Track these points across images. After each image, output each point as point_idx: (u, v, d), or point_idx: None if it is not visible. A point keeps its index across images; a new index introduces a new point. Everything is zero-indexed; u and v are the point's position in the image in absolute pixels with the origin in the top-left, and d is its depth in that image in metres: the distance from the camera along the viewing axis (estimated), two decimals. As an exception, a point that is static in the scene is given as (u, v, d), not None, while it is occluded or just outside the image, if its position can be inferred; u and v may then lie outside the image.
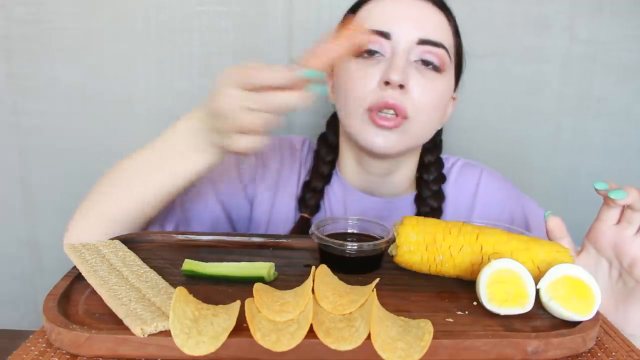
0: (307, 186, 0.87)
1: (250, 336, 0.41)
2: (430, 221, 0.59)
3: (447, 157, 0.91)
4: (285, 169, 0.88)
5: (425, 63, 0.74)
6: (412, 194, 0.87)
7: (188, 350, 0.40)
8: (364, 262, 0.60)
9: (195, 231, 0.71)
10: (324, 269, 0.54)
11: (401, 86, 0.72)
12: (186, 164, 0.64)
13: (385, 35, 0.73)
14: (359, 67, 0.74)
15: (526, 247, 0.55)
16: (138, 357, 0.44)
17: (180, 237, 0.67)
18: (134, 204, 0.66)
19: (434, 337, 0.42)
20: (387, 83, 0.71)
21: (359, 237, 0.64)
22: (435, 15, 0.76)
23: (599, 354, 0.47)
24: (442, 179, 0.87)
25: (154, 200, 0.66)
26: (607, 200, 0.62)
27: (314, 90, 0.56)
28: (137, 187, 0.66)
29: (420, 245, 0.58)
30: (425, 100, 0.74)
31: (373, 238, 0.63)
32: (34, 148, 1.16)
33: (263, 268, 0.56)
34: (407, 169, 0.85)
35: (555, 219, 0.64)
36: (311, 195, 0.85)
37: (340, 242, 0.58)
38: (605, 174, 1.20)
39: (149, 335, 0.43)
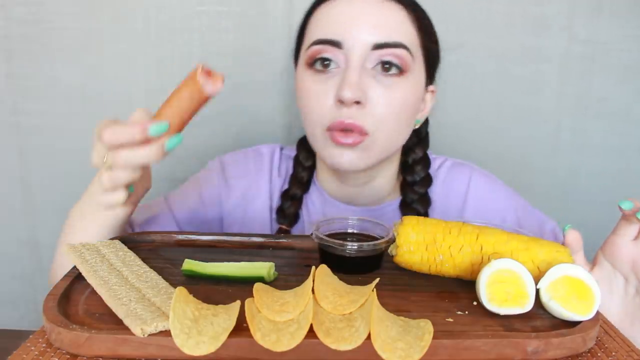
0: (285, 194, 0.83)
1: (250, 336, 0.41)
2: (430, 221, 0.59)
3: (434, 157, 0.87)
4: (253, 182, 0.85)
5: (385, 67, 0.69)
6: (396, 199, 0.83)
7: (188, 350, 0.40)
8: (364, 262, 0.60)
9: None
10: (324, 269, 0.54)
11: (358, 102, 0.67)
12: (100, 219, 0.64)
13: (336, 44, 0.68)
14: (313, 83, 0.70)
15: (526, 247, 0.55)
16: (138, 357, 0.44)
17: (180, 237, 0.67)
18: None
19: (434, 337, 0.42)
20: (341, 101, 0.67)
21: (359, 237, 0.64)
22: (393, 13, 0.70)
23: (599, 354, 0.47)
24: (428, 181, 0.82)
25: None
26: (628, 217, 0.59)
27: (168, 143, 0.56)
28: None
29: (420, 245, 0.58)
30: (387, 112, 0.69)
31: (373, 238, 0.63)
32: (34, 148, 1.16)
33: (263, 268, 0.56)
34: (388, 174, 0.81)
35: (575, 233, 0.60)
36: (290, 204, 0.82)
37: (340, 242, 0.58)
38: (605, 174, 1.20)
39: (149, 335, 0.43)
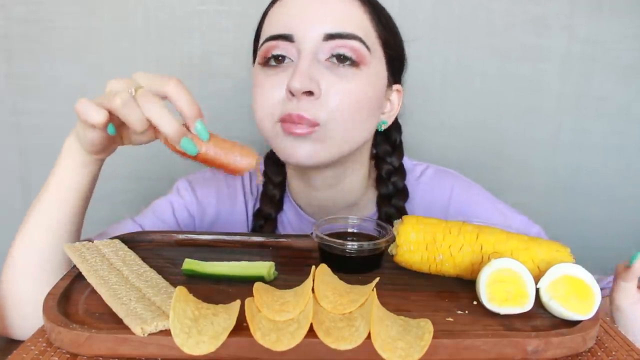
0: (258, 215, 0.80)
1: (250, 336, 0.41)
2: (430, 220, 0.59)
3: (415, 163, 0.83)
4: (225, 203, 0.82)
5: (340, 59, 0.65)
6: (371, 213, 0.79)
7: (188, 350, 0.40)
8: (364, 262, 0.60)
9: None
10: (324, 268, 0.54)
11: (310, 93, 0.64)
12: (71, 178, 0.63)
13: (287, 37, 0.66)
14: (266, 77, 0.67)
15: (526, 246, 0.55)
16: (138, 357, 0.44)
17: (180, 236, 0.67)
18: (53, 239, 0.63)
19: (434, 337, 0.42)
20: (291, 92, 0.64)
21: (359, 237, 0.64)
22: (344, 5, 0.67)
23: (599, 354, 0.47)
24: (405, 193, 0.78)
25: (72, 222, 0.64)
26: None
27: (185, 142, 0.55)
28: (41, 229, 0.63)
29: (420, 244, 0.57)
30: (341, 103, 0.65)
31: (373, 238, 0.63)
32: (34, 148, 1.16)
33: (263, 268, 0.56)
34: (357, 175, 0.76)
35: None
36: (263, 224, 0.79)
37: (341, 241, 0.58)
38: (605, 173, 1.20)
39: (149, 334, 0.43)
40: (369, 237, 0.63)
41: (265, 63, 0.68)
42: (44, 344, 0.45)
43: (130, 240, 0.64)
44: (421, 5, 1.10)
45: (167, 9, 1.10)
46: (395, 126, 0.80)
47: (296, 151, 0.66)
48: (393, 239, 0.59)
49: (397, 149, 0.80)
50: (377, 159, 0.80)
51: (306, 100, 0.64)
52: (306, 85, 0.63)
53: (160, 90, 0.55)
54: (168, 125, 0.54)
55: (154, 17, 1.10)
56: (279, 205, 0.80)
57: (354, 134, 0.69)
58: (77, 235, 0.66)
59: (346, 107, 0.66)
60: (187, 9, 1.10)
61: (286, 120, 0.65)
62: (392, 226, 0.61)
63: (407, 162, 0.82)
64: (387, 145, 0.79)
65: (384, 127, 0.75)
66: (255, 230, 0.80)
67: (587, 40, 1.13)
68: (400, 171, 0.79)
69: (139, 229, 0.77)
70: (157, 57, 1.12)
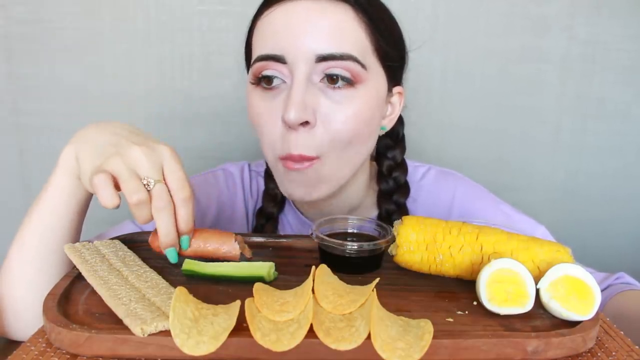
0: (260, 213, 0.79)
1: (250, 336, 0.41)
2: (431, 221, 0.59)
3: (417, 165, 0.82)
4: (225, 206, 0.81)
5: (333, 79, 0.63)
6: (372, 215, 0.79)
7: (188, 350, 0.40)
8: (364, 262, 0.60)
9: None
10: (324, 268, 0.54)
11: (306, 122, 0.63)
12: (68, 189, 0.61)
13: (278, 59, 0.63)
14: (261, 100, 0.66)
15: (526, 246, 0.55)
16: (138, 357, 0.44)
17: (180, 237, 0.67)
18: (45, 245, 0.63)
19: (434, 337, 0.42)
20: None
21: (359, 237, 0.64)
22: (338, 16, 0.63)
23: (599, 354, 0.47)
24: (406, 189, 0.78)
25: (66, 234, 0.63)
26: None
27: (170, 252, 0.56)
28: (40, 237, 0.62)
29: (420, 245, 0.57)
30: (338, 133, 0.64)
31: (373, 238, 0.63)
32: (34, 148, 1.16)
33: (263, 268, 0.56)
34: (358, 182, 0.75)
35: None
36: (265, 223, 0.79)
37: (341, 242, 0.58)
38: (605, 174, 1.20)
39: (149, 335, 0.43)
40: (369, 238, 0.63)
41: (258, 83, 0.67)
42: (44, 344, 0.45)
43: (130, 241, 0.64)
44: (421, 5, 1.10)
45: (167, 9, 1.10)
46: (398, 119, 0.77)
47: (295, 190, 0.67)
48: (393, 240, 0.59)
49: (400, 142, 0.78)
50: (377, 154, 0.79)
51: (302, 132, 0.63)
52: (301, 117, 0.62)
53: (174, 193, 0.55)
54: (166, 237, 0.55)
55: (154, 17, 1.10)
56: (281, 204, 0.80)
57: (354, 159, 0.69)
58: (74, 242, 0.65)
59: (345, 132, 0.64)
60: (187, 9, 1.10)
61: (287, 159, 0.65)
62: (392, 226, 0.61)
63: (408, 163, 0.81)
64: (388, 140, 0.78)
65: (382, 132, 0.74)
66: (257, 230, 0.80)
67: (587, 41, 1.13)
68: (402, 166, 0.78)
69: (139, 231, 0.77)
70: (157, 57, 1.12)
